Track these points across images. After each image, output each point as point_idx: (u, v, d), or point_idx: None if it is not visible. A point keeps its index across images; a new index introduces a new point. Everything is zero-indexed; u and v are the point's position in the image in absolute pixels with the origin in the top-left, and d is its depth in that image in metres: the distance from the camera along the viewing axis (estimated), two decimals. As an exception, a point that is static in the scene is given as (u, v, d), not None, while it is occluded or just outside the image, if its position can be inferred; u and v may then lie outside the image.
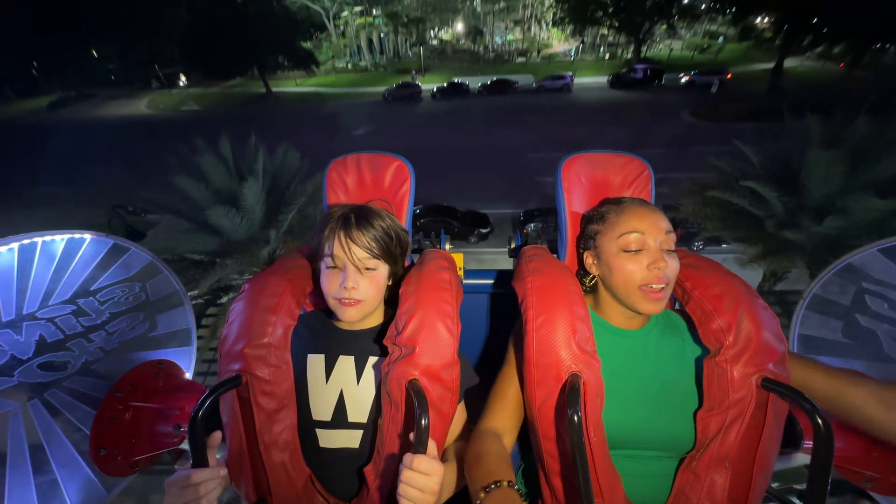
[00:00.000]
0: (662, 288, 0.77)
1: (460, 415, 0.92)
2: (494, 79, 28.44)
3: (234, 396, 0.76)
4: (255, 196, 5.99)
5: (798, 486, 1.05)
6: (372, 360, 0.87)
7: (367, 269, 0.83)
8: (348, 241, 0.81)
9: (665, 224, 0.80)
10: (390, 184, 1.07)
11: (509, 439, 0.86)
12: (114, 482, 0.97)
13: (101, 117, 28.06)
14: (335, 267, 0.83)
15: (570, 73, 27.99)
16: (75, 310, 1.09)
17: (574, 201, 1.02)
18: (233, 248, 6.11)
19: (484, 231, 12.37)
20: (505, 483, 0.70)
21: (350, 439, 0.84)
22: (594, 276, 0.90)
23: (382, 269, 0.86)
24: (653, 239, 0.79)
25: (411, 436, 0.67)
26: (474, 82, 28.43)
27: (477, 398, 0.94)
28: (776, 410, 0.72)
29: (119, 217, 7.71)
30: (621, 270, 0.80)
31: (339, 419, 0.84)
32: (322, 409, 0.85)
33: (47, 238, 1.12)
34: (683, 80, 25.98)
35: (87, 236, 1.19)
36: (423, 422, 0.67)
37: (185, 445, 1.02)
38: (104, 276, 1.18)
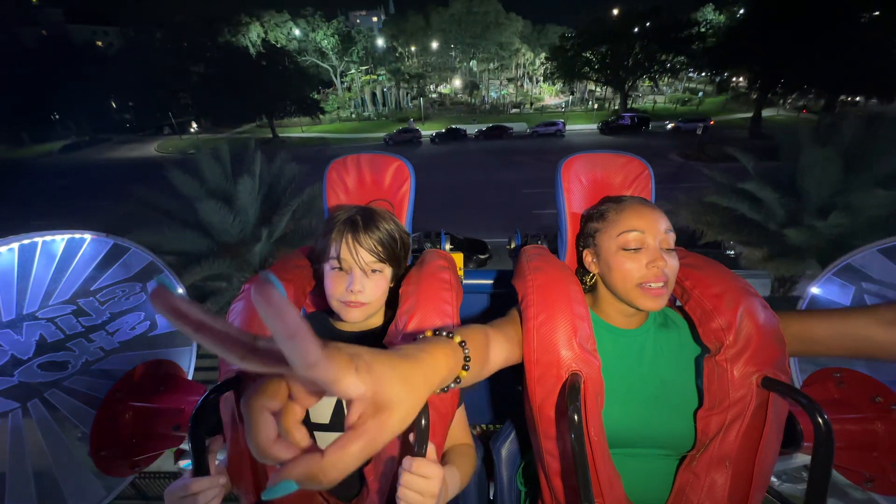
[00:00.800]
0: (662, 286, 0.77)
1: (461, 418, 0.92)
2: (490, 125, 30.11)
3: (234, 396, 0.76)
4: (249, 195, 5.91)
5: (798, 486, 1.05)
6: None
7: (374, 271, 0.84)
8: (355, 244, 0.81)
9: (665, 223, 0.81)
10: (390, 184, 1.08)
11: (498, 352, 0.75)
12: (114, 482, 0.97)
13: (110, 159, 29.08)
14: (340, 269, 0.83)
15: (562, 120, 29.58)
16: (75, 310, 1.09)
17: (574, 201, 1.02)
18: (223, 250, 6.02)
19: (482, 257, 12.33)
20: (457, 339, 0.59)
21: None
22: (593, 275, 0.90)
23: (387, 272, 0.87)
24: (652, 237, 0.79)
25: (411, 436, 0.67)
26: (472, 129, 29.89)
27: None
28: (776, 410, 0.72)
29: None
30: (620, 268, 0.80)
31: (338, 423, 0.84)
32: (320, 412, 0.84)
33: (47, 238, 1.12)
34: (669, 126, 27.60)
35: (87, 236, 1.19)
36: (422, 422, 0.67)
37: (186, 445, 1.02)
38: (104, 276, 1.18)
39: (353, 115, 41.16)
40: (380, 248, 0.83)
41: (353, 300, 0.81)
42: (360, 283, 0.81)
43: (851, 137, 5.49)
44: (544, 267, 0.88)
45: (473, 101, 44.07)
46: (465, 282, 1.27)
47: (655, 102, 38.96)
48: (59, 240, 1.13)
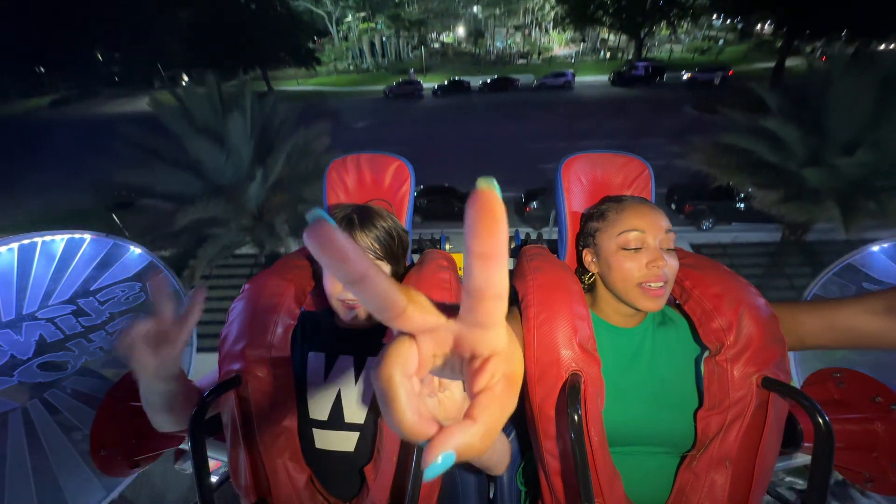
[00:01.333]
0: (661, 286, 0.77)
1: None
2: (495, 77, 28.50)
3: (233, 396, 0.76)
4: (241, 133, 5.71)
5: (798, 486, 1.05)
6: (370, 359, 0.87)
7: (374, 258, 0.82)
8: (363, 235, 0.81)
9: (665, 223, 0.81)
10: (390, 184, 1.08)
11: None
12: (114, 482, 0.97)
13: (102, 114, 28.11)
14: None
15: (571, 71, 28.02)
16: (75, 310, 1.09)
17: (574, 201, 1.02)
18: (217, 193, 5.81)
19: None
20: None
21: (346, 442, 0.83)
22: (593, 274, 0.90)
23: (385, 269, 0.86)
24: (652, 237, 0.79)
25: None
26: (475, 81, 28.41)
27: None
28: (776, 410, 0.72)
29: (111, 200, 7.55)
30: (620, 268, 0.80)
31: (336, 419, 0.84)
32: (319, 408, 0.84)
33: (47, 238, 1.11)
34: (685, 77, 25.84)
35: (87, 236, 1.19)
36: None
37: (186, 445, 1.02)
38: (104, 276, 1.18)
39: (351, 67, 38.95)
40: (376, 246, 0.82)
41: (350, 299, 0.81)
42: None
43: (891, 66, 4.97)
44: (544, 266, 0.88)
45: (478, 51, 41.86)
46: None
47: (672, 51, 36.03)
48: (58, 240, 1.13)
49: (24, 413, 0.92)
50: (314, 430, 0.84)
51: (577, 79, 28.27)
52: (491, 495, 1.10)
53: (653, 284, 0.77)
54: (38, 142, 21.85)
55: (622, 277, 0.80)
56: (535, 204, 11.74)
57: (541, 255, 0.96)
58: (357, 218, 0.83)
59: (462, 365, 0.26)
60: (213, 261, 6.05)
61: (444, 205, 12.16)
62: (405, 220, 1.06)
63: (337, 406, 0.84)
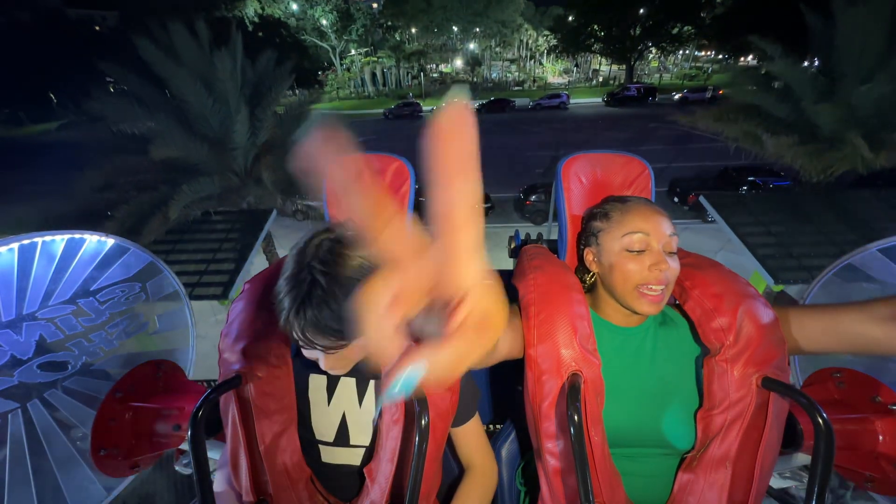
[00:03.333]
0: (662, 289, 0.77)
1: (477, 428, 0.92)
2: (492, 98, 29.23)
3: (234, 396, 0.76)
4: (228, 75, 5.48)
5: (798, 486, 1.05)
6: (373, 382, 0.85)
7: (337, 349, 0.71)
8: (306, 342, 0.67)
9: (669, 226, 0.81)
10: (390, 184, 1.07)
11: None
12: (114, 482, 0.97)
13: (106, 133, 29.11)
14: None
15: (566, 93, 28.99)
16: (75, 310, 1.09)
17: (574, 201, 1.02)
18: (202, 141, 5.60)
19: (485, 206, 12.21)
20: None
21: (352, 457, 0.84)
22: (593, 274, 0.90)
23: (357, 344, 0.72)
24: (657, 240, 0.79)
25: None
26: (473, 104, 29.27)
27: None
28: (777, 410, 0.72)
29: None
30: (622, 270, 0.80)
31: (342, 440, 0.84)
32: (325, 430, 0.84)
33: (47, 238, 1.11)
34: (676, 97, 26.78)
35: (87, 236, 1.18)
36: (423, 421, 0.67)
37: (186, 445, 1.02)
38: (104, 276, 1.18)
39: (353, 95, 40.24)
40: (335, 337, 0.66)
41: (329, 371, 0.75)
42: (329, 363, 0.71)
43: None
44: (545, 266, 0.88)
45: (475, 79, 43.26)
46: None
47: (661, 79, 37.77)
48: (58, 240, 1.13)
49: (23, 413, 0.92)
50: (320, 446, 0.84)
51: (572, 100, 29.14)
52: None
53: (654, 287, 0.77)
54: (38, 159, 22.15)
55: (623, 279, 0.80)
56: (534, 198, 11.75)
57: (541, 254, 0.96)
58: (308, 304, 0.64)
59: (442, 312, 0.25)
60: (189, 208, 5.61)
61: None
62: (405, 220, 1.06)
63: (342, 428, 0.84)
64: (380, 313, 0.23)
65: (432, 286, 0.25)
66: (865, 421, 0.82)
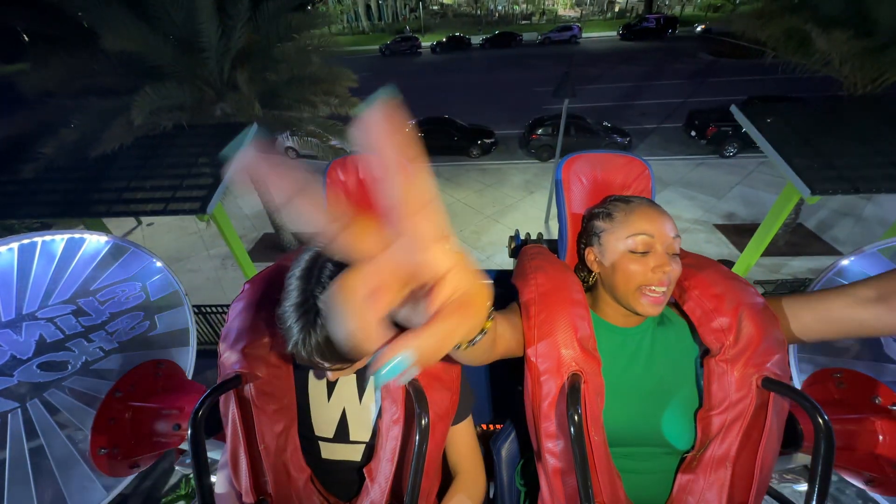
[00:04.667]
0: (664, 291, 0.77)
1: (469, 431, 0.91)
2: (497, 32, 27.37)
3: (234, 396, 0.76)
4: None
5: (798, 486, 1.05)
6: (373, 378, 0.85)
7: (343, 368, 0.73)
8: (313, 366, 0.68)
9: (673, 228, 0.80)
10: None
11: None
12: (114, 482, 0.97)
13: None
14: None
15: (578, 25, 27.01)
16: (75, 310, 1.08)
17: (574, 201, 1.02)
18: (165, 44, 4.97)
19: (488, 141, 11.74)
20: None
21: (353, 453, 0.84)
22: (595, 274, 0.90)
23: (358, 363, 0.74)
24: (660, 243, 0.79)
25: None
26: (476, 39, 27.20)
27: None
28: (777, 410, 0.72)
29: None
30: (625, 270, 0.80)
31: (342, 436, 0.84)
32: (324, 426, 0.84)
33: (47, 238, 1.11)
34: (698, 29, 24.32)
35: (87, 236, 1.18)
36: (422, 421, 0.67)
37: (186, 445, 1.02)
38: (104, 276, 1.18)
39: (346, 30, 37.38)
40: (342, 360, 0.68)
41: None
42: (335, 375, 0.74)
43: None
44: (545, 266, 0.88)
45: (479, 12, 40.27)
46: None
47: (684, 8, 34.54)
48: (58, 240, 1.13)
49: (23, 413, 0.92)
50: (320, 443, 0.84)
51: (585, 35, 27.34)
52: (491, 495, 1.10)
53: (656, 289, 0.77)
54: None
55: (625, 280, 0.80)
56: (540, 131, 11.25)
57: (541, 254, 0.96)
58: (314, 330, 0.64)
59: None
60: (157, 117, 5.06)
61: (442, 136, 11.60)
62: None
63: (342, 425, 0.84)
64: (359, 305, 0.23)
65: (409, 276, 0.25)
66: (865, 421, 0.83)
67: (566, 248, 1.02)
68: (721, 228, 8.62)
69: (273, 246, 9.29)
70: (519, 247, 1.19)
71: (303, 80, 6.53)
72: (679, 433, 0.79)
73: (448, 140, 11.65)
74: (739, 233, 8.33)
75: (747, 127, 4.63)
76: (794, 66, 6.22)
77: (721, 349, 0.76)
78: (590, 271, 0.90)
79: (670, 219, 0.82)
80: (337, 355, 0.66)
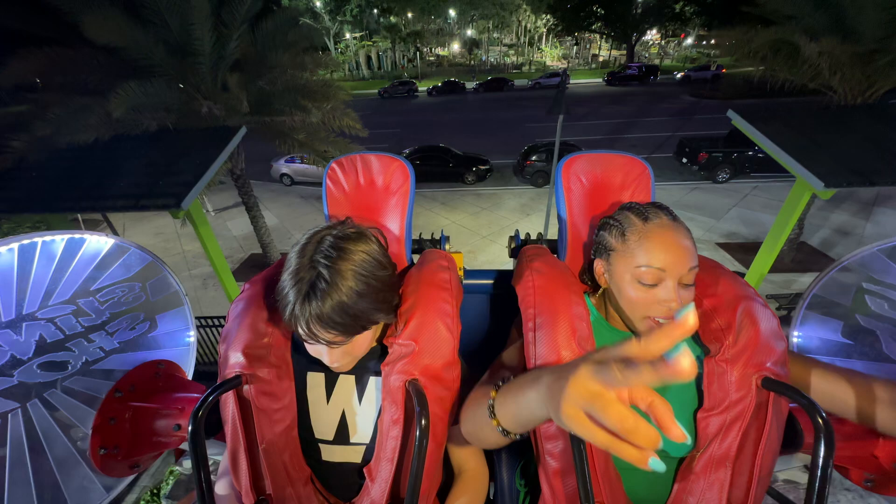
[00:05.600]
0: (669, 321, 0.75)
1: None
2: (490, 77, 29.02)
3: (234, 396, 0.76)
4: None
5: (798, 486, 1.05)
6: (373, 380, 0.84)
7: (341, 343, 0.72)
8: (309, 334, 0.68)
9: (691, 259, 0.74)
10: (390, 183, 1.07)
11: None
12: (114, 482, 0.97)
13: None
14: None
15: (566, 69, 29.03)
16: (75, 310, 1.09)
17: (574, 201, 1.02)
18: (156, 38, 4.81)
19: (483, 168, 11.88)
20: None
21: (353, 455, 0.83)
22: (603, 290, 0.87)
23: (360, 335, 0.74)
24: (673, 276, 0.73)
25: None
26: (470, 84, 28.96)
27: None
28: (777, 410, 0.72)
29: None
30: (629, 297, 0.77)
31: (342, 438, 0.84)
32: (324, 428, 0.84)
33: (47, 238, 1.12)
34: (679, 76, 26.45)
35: (87, 236, 1.19)
36: (422, 421, 0.67)
37: (185, 445, 1.02)
38: (104, 276, 1.18)
39: (347, 77, 39.44)
40: (340, 332, 0.68)
41: (332, 367, 0.75)
42: (332, 357, 0.73)
43: None
44: (544, 268, 0.88)
45: (472, 62, 42.82)
46: (464, 282, 1.27)
47: (662, 60, 37.95)
48: (58, 240, 1.13)
49: (23, 413, 0.92)
50: (320, 445, 0.84)
51: (572, 81, 29.48)
52: (491, 495, 1.10)
53: (659, 320, 0.75)
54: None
55: (630, 306, 0.78)
56: (535, 157, 11.32)
57: (540, 255, 0.96)
58: (312, 299, 0.65)
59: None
60: (140, 114, 4.85)
61: (437, 163, 11.77)
62: (405, 220, 1.06)
63: (342, 426, 0.83)
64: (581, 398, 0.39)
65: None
66: (865, 421, 0.82)
67: (566, 248, 1.02)
68: (724, 247, 8.73)
69: (260, 265, 9.39)
70: (519, 247, 1.19)
71: (296, 90, 6.46)
72: (675, 445, 0.79)
73: (443, 167, 11.81)
74: (744, 250, 8.40)
75: (747, 129, 4.57)
76: (780, 86, 6.22)
77: (721, 349, 0.76)
78: (598, 287, 0.88)
79: (690, 251, 0.74)
80: (334, 324, 0.66)
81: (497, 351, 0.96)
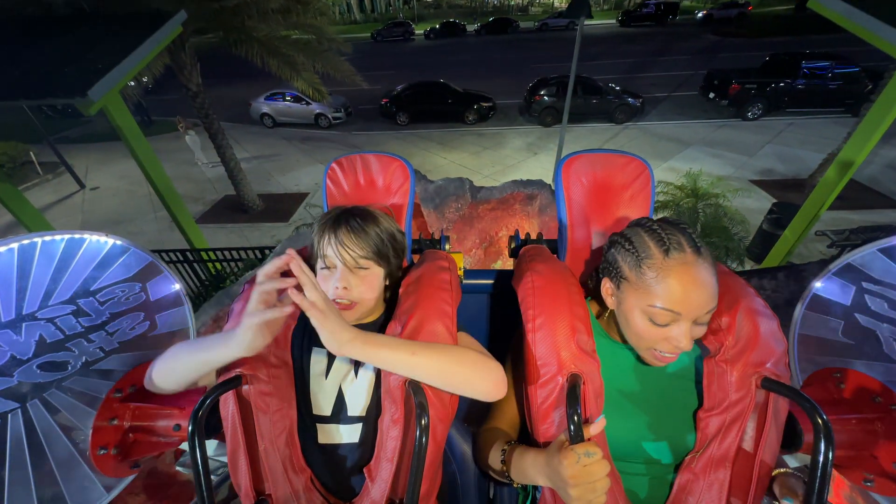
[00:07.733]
0: (673, 355, 0.74)
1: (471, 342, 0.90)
2: (492, 18, 26.46)
3: (233, 396, 0.76)
4: None
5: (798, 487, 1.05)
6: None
7: (359, 268, 0.83)
8: (338, 242, 0.81)
9: (710, 303, 0.68)
10: (390, 184, 1.07)
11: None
12: (114, 482, 0.97)
13: None
14: (327, 268, 0.83)
15: None
16: (75, 310, 1.08)
17: (574, 201, 1.02)
18: None
19: (485, 105, 10.63)
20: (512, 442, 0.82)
21: (350, 434, 0.84)
22: (610, 311, 0.85)
23: (375, 270, 0.85)
24: (688, 320, 0.69)
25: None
26: (471, 26, 26.21)
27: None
28: (776, 410, 0.72)
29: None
30: (637, 331, 0.75)
31: (339, 413, 0.85)
32: (322, 404, 0.85)
33: (47, 238, 1.11)
34: (700, 14, 23.65)
35: (87, 236, 1.18)
36: (423, 421, 0.67)
37: (185, 445, 1.02)
38: (104, 276, 1.17)
39: (338, 20, 35.93)
40: (363, 244, 0.82)
41: (339, 299, 0.80)
42: (344, 279, 0.81)
43: None
44: (544, 268, 0.88)
45: (473, 3, 39.69)
46: (464, 282, 1.27)
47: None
48: (58, 240, 1.13)
49: (23, 413, 0.92)
50: (318, 425, 0.84)
51: (584, 22, 28.02)
52: (491, 495, 1.10)
53: (665, 354, 0.74)
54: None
55: (636, 337, 0.76)
56: (544, 91, 10.17)
57: (540, 255, 0.96)
58: (345, 218, 0.84)
59: None
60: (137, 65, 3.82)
61: (435, 100, 10.42)
62: (405, 220, 1.06)
63: (339, 401, 0.85)
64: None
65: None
66: (865, 421, 0.82)
67: (566, 248, 1.02)
68: (759, 184, 7.87)
69: (234, 207, 8.94)
70: (519, 247, 1.19)
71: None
72: (680, 439, 0.79)
73: (441, 105, 10.55)
74: (783, 187, 7.55)
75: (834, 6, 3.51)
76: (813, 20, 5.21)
77: (720, 349, 0.76)
78: (601, 284, 0.85)
79: (712, 283, 0.68)
80: (364, 233, 0.82)
81: (497, 351, 0.96)
